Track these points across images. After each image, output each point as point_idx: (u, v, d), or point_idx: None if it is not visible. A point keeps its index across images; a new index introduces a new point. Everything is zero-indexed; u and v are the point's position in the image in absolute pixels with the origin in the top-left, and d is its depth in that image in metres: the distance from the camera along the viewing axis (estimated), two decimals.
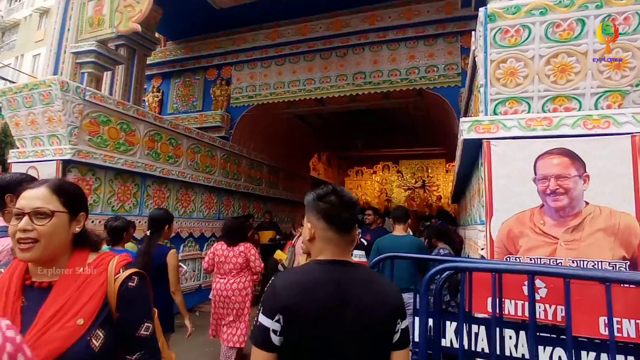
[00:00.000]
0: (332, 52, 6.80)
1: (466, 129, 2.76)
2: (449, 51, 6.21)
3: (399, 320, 1.23)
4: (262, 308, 1.20)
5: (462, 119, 2.82)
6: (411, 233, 4.07)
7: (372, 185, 16.80)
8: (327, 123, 9.08)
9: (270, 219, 7.96)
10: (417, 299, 3.42)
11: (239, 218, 5.90)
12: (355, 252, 4.05)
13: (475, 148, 2.99)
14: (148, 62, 7.68)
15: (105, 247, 3.16)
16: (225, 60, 7.52)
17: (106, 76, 6.14)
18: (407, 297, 3.20)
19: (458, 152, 3.32)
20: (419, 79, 6.26)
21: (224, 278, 3.75)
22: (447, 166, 15.58)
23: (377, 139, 9.69)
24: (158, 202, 5.45)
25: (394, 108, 7.63)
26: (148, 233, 3.08)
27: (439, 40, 6.28)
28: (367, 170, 16.96)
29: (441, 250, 3.52)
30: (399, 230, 3.60)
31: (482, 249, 2.68)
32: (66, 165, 4.19)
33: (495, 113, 2.78)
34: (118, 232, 3.17)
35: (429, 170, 16.06)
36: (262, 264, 3.94)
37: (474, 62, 3.18)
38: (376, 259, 2.35)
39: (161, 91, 8.10)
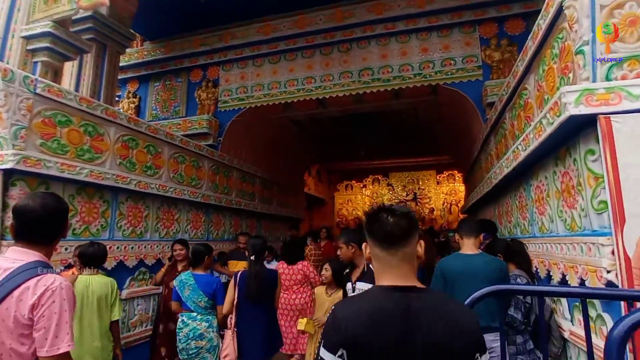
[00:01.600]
0: (334, 47, 6.03)
1: (573, 102, 1.95)
2: (466, 42, 5.53)
3: (478, 355, 1.06)
4: (322, 341, 1.12)
5: (564, 89, 2.01)
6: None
7: (363, 199, 16.25)
8: (326, 130, 8.26)
9: (245, 245, 5.48)
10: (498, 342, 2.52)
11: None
12: (359, 284, 2.84)
13: (569, 129, 2.18)
14: (123, 63, 6.77)
15: (185, 273, 3.50)
16: (212, 60, 6.66)
17: (70, 76, 5.19)
18: (489, 339, 2.33)
19: (538, 138, 2.50)
20: (434, 74, 5.53)
21: (287, 293, 4.18)
22: (437, 177, 15.06)
23: (380, 147, 8.94)
24: (134, 222, 4.45)
25: (402, 110, 6.89)
26: (252, 258, 3.31)
27: (454, 31, 5.59)
28: (357, 184, 16.37)
29: (519, 279, 2.64)
30: (469, 247, 2.73)
31: (610, 272, 1.85)
32: (9, 176, 3.19)
33: (608, 79, 1.99)
34: (198, 255, 3.50)
35: (420, 183, 15.56)
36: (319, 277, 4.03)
37: (552, 18, 2.40)
38: (477, 295, 1.47)
39: (138, 97, 7.15)
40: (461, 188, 13.90)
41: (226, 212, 6.52)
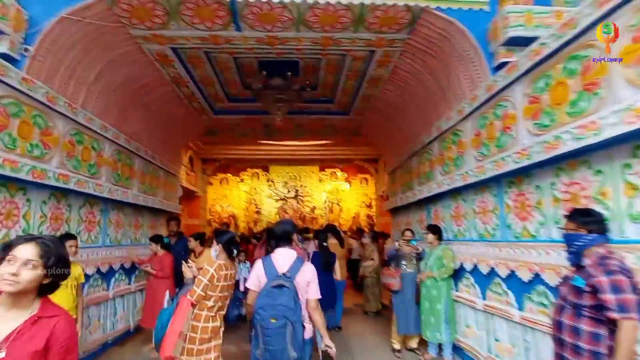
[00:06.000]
0: None
1: None
2: None
3: None
4: None
5: None
6: None
7: (239, 195, 14.16)
8: (225, 79, 5.57)
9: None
10: None
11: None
12: None
13: None
14: None
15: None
16: None
17: None
18: None
19: None
20: None
21: None
22: (320, 175, 13.89)
23: (292, 120, 6.62)
24: None
25: (349, 57, 4.79)
26: (324, 244, 5.03)
27: None
28: (233, 178, 14.08)
29: None
30: None
31: None
32: None
33: None
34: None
35: (301, 179, 14.11)
36: None
37: None
38: None
39: None
40: (341, 187, 13.61)
41: (37, 194, 3.42)
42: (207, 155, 12.78)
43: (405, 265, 4.38)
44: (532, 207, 3.05)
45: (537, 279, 2.95)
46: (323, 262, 4.64)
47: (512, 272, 3.23)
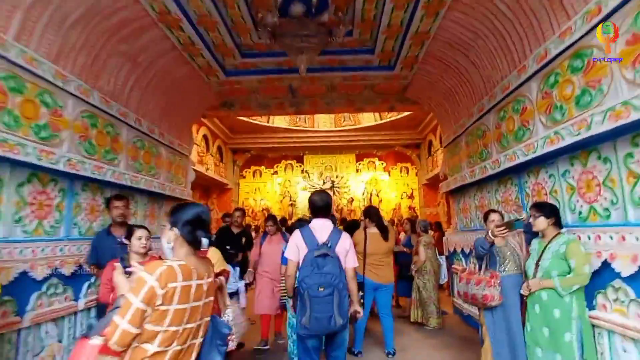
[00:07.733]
0: None
1: None
2: None
3: None
4: None
5: None
6: None
7: (273, 188, 13.47)
8: (232, 13, 4.13)
9: None
10: None
11: None
12: None
13: None
14: None
15: None
16: None
17: None
18: None
19: None
20: None
21: None
22: (357, 165, 13.11)
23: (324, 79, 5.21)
24: None
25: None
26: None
27: None
28: (266, 171, 13.43)
29: None
30: None
31: None
32: None
33: None
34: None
35: (338, 170, 13.35)
36: None
37: None
38: None
39: None
40: (380, 177, 12.82)
41: None
42: (237, 145, 12.10)
43: (503, 265, 2.79)
44: None
45: None
46: None
47: None
